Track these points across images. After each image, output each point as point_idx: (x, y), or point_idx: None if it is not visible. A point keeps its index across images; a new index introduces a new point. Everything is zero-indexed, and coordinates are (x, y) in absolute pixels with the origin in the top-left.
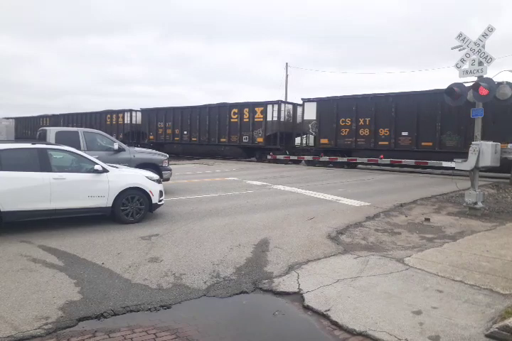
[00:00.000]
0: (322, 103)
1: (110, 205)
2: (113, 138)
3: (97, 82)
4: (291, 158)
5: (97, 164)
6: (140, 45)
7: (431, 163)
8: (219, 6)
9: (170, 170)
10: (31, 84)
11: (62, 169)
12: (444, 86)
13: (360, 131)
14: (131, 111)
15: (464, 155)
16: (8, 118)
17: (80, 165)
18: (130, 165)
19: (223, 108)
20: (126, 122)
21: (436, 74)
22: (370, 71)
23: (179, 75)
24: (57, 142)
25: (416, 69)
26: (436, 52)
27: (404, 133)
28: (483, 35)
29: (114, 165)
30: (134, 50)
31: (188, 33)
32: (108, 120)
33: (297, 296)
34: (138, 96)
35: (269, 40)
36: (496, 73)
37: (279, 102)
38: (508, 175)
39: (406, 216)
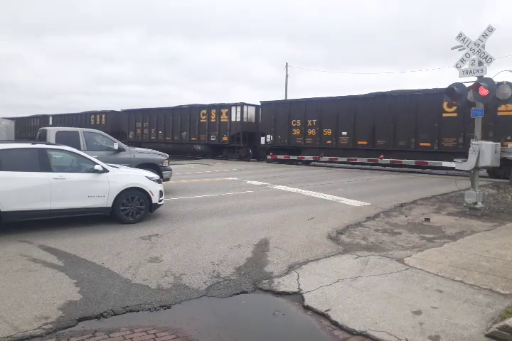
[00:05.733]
0: None
1: (110, 205)
2: (113, 138)
3: (86, 82)
4: (291, 157)
5: (97, 164)
6: (126, 44)
7: (431, 163)
8: (202, 4)
9: (170, 170)
10: (20, 84)
11: (62, 169)
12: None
13: None
14: (242, 105)
15: None
16: (46, 115)
17: (80, 165)
18: (130, 165)
19: (430, 96)
20: (234, 120)
21: (426, 74)
22: (357, 71)
23: (168, 75)
24: (58, 142)
25: (408, 70)
26: (425, 52)
27: None
28: (483, 35)
29: (115, 165)
30: (121, 49)
31: (172, 31)
32: (203, 117)
33: (297, 296)
34: (130, 96)
35: (256, 40)
36: (496, 73)
37: None
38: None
39: (406, 216)
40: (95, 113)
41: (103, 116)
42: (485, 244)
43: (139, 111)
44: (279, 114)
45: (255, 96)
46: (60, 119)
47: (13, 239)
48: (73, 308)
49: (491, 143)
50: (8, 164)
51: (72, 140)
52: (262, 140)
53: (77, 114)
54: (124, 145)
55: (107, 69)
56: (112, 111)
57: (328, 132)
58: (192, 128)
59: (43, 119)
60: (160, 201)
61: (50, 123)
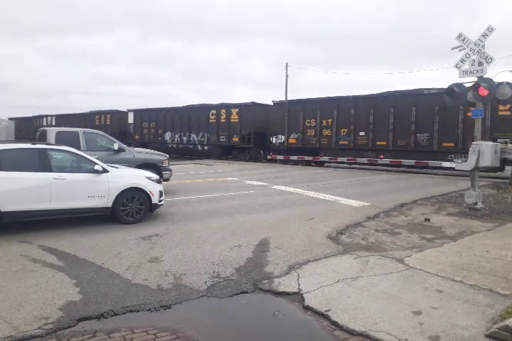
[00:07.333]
0: None
1: (110, 205)
2: (113, 139)
3: (86, 82)
4: (291, 158)
5: (97, 164)
6: (126, 44)
7: (431, 163)
8: (202, 4)
9: (170, 170)
10: (19, 84)
11: (62, 169)
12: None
13: None
14: None
15: None
16: (121, 111)
17: (80, 166)
18: (130, 166)
19: None
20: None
21: (425, 74)
22: (357, 71)
23: (166, 75)
24: (57, 142)
25: (407, 70)
26: (424, 52)
27: None
28: (483, 36)
29: (115, 165)
30: (121, 50)
31: (172, 31)
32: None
33: (297, 296)
34: (130, 96)
35: (256, 40)
36: (496, 73)
37: None
38: (507, 174)
39: (406, 216)
40: (213, 107)
41: (234, 111)
42: (485, 244)
43: (308, 101)
44: None
45: (255, 97)
46: (149, 116)
47: (14, 239)
48: (73, 308)
49: (490, 143)
50: (8, 164)
51: (72, 140)
52: None
53: (178, 109)
54: (124, 146)
55: (107, 69)
56: (250, 104)
57: None
58: (381, 125)
59: (118, 116)
60: (160, 201)
61: (131, 121)
